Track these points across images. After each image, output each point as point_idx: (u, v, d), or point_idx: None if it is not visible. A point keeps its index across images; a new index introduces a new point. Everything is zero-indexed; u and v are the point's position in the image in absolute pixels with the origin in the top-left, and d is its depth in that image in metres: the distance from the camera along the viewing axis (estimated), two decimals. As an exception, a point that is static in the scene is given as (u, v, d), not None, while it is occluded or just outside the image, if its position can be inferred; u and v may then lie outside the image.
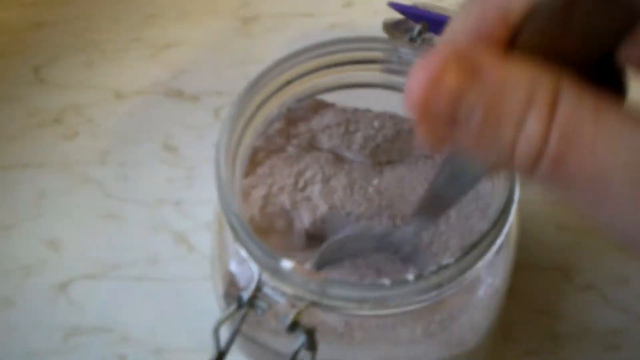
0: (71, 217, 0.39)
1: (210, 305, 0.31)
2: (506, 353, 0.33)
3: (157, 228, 0.39)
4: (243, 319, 0.23)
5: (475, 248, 0.22)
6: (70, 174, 0.41)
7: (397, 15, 0.39)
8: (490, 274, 0.26)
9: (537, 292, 0.35)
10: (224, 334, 0.24)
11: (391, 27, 0.38)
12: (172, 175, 0.40)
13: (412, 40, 0.30)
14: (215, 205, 0.27)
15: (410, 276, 0.22)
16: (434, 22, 0.31)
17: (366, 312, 0.22)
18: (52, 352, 0.35)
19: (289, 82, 0.29)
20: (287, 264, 0.23)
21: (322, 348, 0.23)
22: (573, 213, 0.37)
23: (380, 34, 0.38)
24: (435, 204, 0.24)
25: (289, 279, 0.23)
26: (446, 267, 0.22)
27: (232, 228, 0.24)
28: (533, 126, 0.16)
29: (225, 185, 0.25)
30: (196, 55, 0.45)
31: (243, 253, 0.24)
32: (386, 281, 0.22)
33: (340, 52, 0.29)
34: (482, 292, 0.26)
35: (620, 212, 0.16)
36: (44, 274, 0.37)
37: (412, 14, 0.37)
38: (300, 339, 0.22)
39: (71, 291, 0.37)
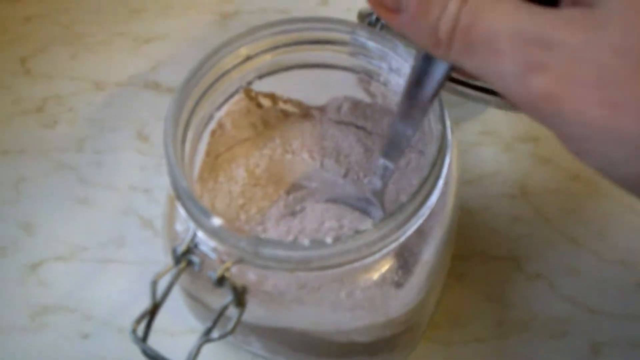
0: (47, 201, 0.41)
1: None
2: (453, 338, 0.34)
3: (126, 213, 0.40)
4: (179, 273, 0.24)
5: (392, 216, 0.23)
6: (48, 160, 0.42)
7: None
8: (420, 244, 0.27)
9: (488, 281, 0.35)
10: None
11: (364, 17, 0.39)
12: (145, 163, 0.42)
13: (370, 24, 0.31)
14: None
15: (328, 239, 0.23)
16: None
17: (289, 272, 0.23)
18: (19, 329, 0.36)
19: (248, 58, 0.30)
20: (216, 220, 0.24)
21: (252, 308, 0.24)
22: (527, 206, 0.38)
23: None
24: (395, 143, 0.28)
25: (218, 235, 0.24)
26: (364, 232, 0.23)
27: (174, 187, 0.25)
28: (452, 6, 0.22)
29: (170, 147, 0.26)
30: (176, 50, 0.46)
31: (182, 211, 0.25)
32: (306, 242, 0.23)
33: (300, 31, 0.30)
34: (409, 263, 0.26)
35: (502, 66, 0.21)
36: (17, 255, 0.39)
37: None
38: (229, 295, 0.23)
39: (41, 272, 0.38)
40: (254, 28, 0.30)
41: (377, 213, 0.30)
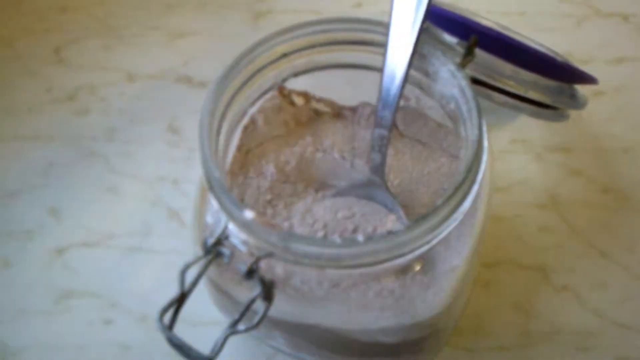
0: (75, 188, 0.41)
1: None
2: (477, 345, 0.34)
3: (153, 203, 0.40)
4: (208, 264, 0.24)
5: (425, 219, 0.23)
6: (78, 148, 0.42)
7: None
8: (451, 249, 0.26)
9: (515, 289, 0.35)
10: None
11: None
12: (174, 155, 0.42)
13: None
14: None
15: (360, 237, 0.23)
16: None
17: (318, 268, 0.23)
18: (42, 312, 0.37)
19: (285, 55, 0.30)
20: (248, 213, 0.24)
21: (278, 303, 0.24)
22: (557, 217, 0.37)
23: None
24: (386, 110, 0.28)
25: (250, 228, 0.24)
26: (396, 232, 0.23)
27: (207, 179, 0.25)
28: None
29: (205, 139, 0.26)
30: (208, 45, 0.47)
31: (214, 203, 0.25)
32: (337, 239, 0.23)
33: (336, 31, 0.30)
34: (439, 267, 0.26)
35: None
36: (44, 239, 0.39)
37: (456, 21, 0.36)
38: (257, 288, 0.23)
39: (67, 257, 0.38)
40: (291, 27, 0.30)
41: (382, 195, 0.30)
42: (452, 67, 0.27)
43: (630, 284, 0.35)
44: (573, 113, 0.40)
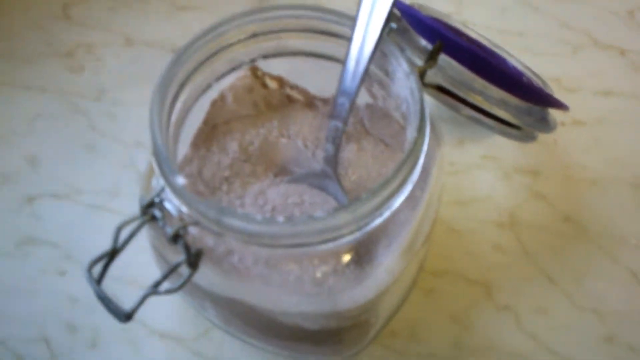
0: (55, 141, 0.42)
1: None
2: (409, 348, 0.34)
3: (126, 166, 0.41)
4: (142, 224, 0.25)
5: (346, 209, 0.24)
6: (66, 103, 0.44)
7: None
8: (381, 246, 0.27)
9: (456, 301, 0.35)
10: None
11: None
12: (155, 123, 0.43)
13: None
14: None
15: (280, 217, 0.23)
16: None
17: (241, 243, 0.24)
18: (2, 254, 0.38)
19: (255, 34, 0.30)
20: (180, 180, 0.25)
21: (208, 274, 0.25)
22: (512, 237, 0.38)
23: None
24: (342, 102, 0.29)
25: (181, 195, 0.25)
26: (317, 217, 0.23)
27: (152, 142, 0.26)
28: None
29: (156, 104, 0.27)
30: (208, 21, 0.47)
31: (155, 167, 0.26)
32: (258, 216, 0.23)
33: (309, 19, 0.30)
34: (366, 261, 0.26)
35: None
36: (17, 185, 0.40)
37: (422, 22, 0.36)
38: (182, 254, 0.24)
39: (36, 205, 0.39)
40: (264, 8, 0.30)
41: (333, 187, 0.31)
42: (406, 68, 0.28)
43: (571, 314, 0.35)
44: (549, 138, 0.40)
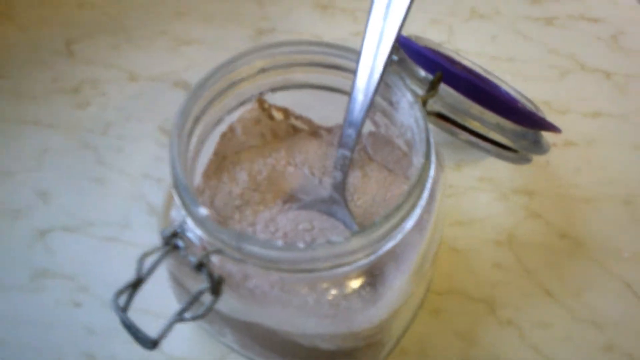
0: (65, 175, 0.43)
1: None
2: (417, 367, 0.35)
3: (135, 198, 0.42)
4: (165, 254, 0.26)
5: (362, 233, 0.25)
6: (74, 137, 0.45)
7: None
8: (393, 268, 0.28)
9: (461, 318, 0.37)
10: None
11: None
12: (161, 154, 0.44)
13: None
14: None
15: (301, 244, 0.25)
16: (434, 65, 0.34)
17: (262, 269, 0.25)
18: (17, 287, 0.39)
19: (263, 70, 0.32)
20: (203, 210, 0.26)
21: (229, 300, 0.26)
22: (511, 255, 0.39)
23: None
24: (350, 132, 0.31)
25: (203, 225, 0.26)
26: (335, 242, 0.25)
27: (172, 175, 0.27)
28: None
29: (175, 139, 0.28)
30: (210, 55, 0.49)
31: (176, 199, 0.27)
32: (279, 243, 0.25)
33: (313, 53, 0.32)
34: (380, 284, 0.28)
35: None
36: (29, 220, 0.41)
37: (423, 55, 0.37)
38: (205, 282, 0.25)
39: (48, 238, 0.41)
40: (271, 44, 0.32)
41: (342, 212, 0.32)
42: (410, 98, 0.29)
43: (572, 326, 0.37)
44: (541, 160, 0.42)
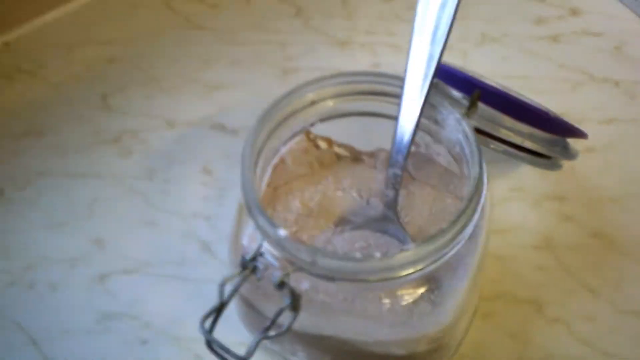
0: (117, 221, 0.45)
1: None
2: (477, 369, 0.37)
3: (187, 236, 0.44)
4: (245, 277, 0.29)
5: (433, 239, 0.27)
6: (121, 185, 0.47)
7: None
8: (455, 271, 0.31)
9: (511, 320, 0.39)
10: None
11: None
12: (207, 194, 0.46)
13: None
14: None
15: (377, 253, 0.27)
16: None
17: (340, 282, 0.28)
18: (85, 331, 0.41)
19: (313, 102, 0.35)
20: (282, 232, 0.28)
21: (302, 317, 0.28)
22: (551, 257, 0.41)
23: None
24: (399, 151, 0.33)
25: (282, 244, 0.28)
26: (407, 249, 0.27)
27: (246, 201, 0.30)
28: None
29: (247, 164, 0.30)
30: (241, 97, 0.52)
31: (252, 223, 0.29)
32: (357, 254, 0.27)
33: (359, 83, 0.35)
34: (444, 288, 0.30)
35: None
36: (87, 266, 0.43)
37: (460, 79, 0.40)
38: (286, 300, 0.28)
39: (108, 282, 0.43)
40: (320, 78, 0.35)
41: (395, 229, 0.35)
42: (457, 116, 0.32)
43: (616, 318, 0.39)
44: (567, 166, 0.45)
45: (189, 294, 0.42)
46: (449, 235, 0.28)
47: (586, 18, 0.55)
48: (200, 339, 0.36)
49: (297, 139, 0.37)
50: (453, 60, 0.52)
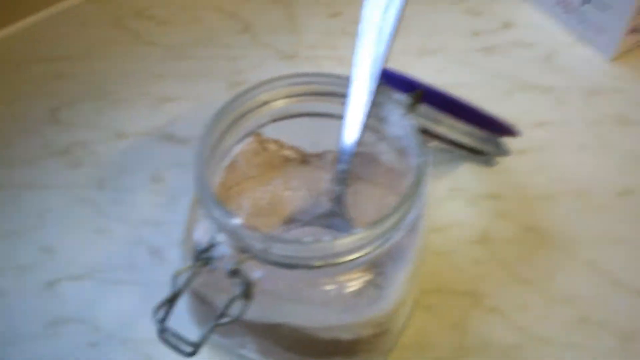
0: (67, 229, 0.46)
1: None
2: (420, 357, 0.39)
3: (137, 242, 0.45)
4: (199, 268, 0.30)
5: (383, 220, 0.29)
6: (71, 195, 0.48)
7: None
8: (398, 259, 0.32)
9: (451, 312, 0.41)
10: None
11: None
12: (157, 201, 0.47)
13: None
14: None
15: (327, 237, 0.28)
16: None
17: (293, 267, 0.29)
18: (34, 336, 0.41)
19: (265, 103, 0.36)
20: (236, 220, 0.30)
21: (253, 306, 0.29)
22: (487, 252, 0.43)
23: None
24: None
25: (237, 232, 0.30)
26: (356, 232, 0.29)
27: (200, 196, 0.31)
28: None
29: (201, 159, 0.32)
30: (189, 109, 0.53)
31: (205, 218, 0.31)
32: (308, 238, 0.29)
33: (309, 84, 0.37)
34: (387, 275, 0.32)
35: None
36: (36, 273, 0.44)
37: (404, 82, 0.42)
38: (238, 288, 0.29)
39: (57, 288, 0.43)
40: (272, 78, 0.36)
41: (342, 224, 0.36)
42: (400, 112, 0.34)
43: (546, 305, 0.41)
44: (501, 167, 0.47)
45: (139, 298, 0.43)
46: (393, 220, 0.30)
47: (519, 31, 0.58)
48: (151, 340, 0.36)
49: (248, 139, 0.39)
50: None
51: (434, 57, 0.56)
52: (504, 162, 0.48)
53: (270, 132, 0.40)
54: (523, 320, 0.41)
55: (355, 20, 0.57)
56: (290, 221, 0.39)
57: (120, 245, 0.45)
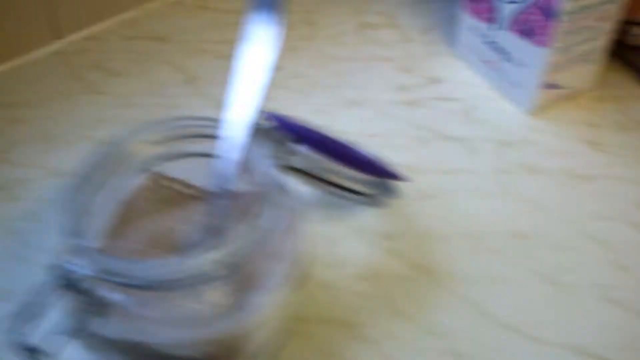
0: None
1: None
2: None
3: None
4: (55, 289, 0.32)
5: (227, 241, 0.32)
6: (5, 228, 0.51)
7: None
8: (251, 285, 0.35)
9: (327, 340, 0.42)
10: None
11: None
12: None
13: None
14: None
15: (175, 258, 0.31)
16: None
17: (131, 288, 0.32)
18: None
19: (151, 143, 0.40)
20: (91, 243, 0.33)
21: (114, 325, 0.32)
22: (373, 286, 0.45)
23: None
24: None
25: (93, 258, 0.33)
26: (184, 259, 0.31)
27: (61, 229, 0.34)
28: None
29: (67, 207, 0.35)
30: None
31: (60, 239, 0.33)
32: (139, 261, 0.31)
33: (185, 127, 0.40)
34: (244, 298, 0.34)
35: None
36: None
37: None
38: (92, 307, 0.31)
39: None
40: (151, 122, 0.40)
41: None
42: (264, 152, 0.38)
43: (419, 337, 0.43)
44: (404, 211, 0.49)
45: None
46: (241, 236, 0.33)
47: (445, 86, 0.61)
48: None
49: (145, 176, 0.42)
50: (321, 121, 0.57)
51: (360, 108, 0.59)
52: (408, 205, 0.50)
53: (168, 169, 0.43)
54: (394, 349, 0.42)
55: (296, 74, 0.61)
56: (176, 252, 0.41)
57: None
